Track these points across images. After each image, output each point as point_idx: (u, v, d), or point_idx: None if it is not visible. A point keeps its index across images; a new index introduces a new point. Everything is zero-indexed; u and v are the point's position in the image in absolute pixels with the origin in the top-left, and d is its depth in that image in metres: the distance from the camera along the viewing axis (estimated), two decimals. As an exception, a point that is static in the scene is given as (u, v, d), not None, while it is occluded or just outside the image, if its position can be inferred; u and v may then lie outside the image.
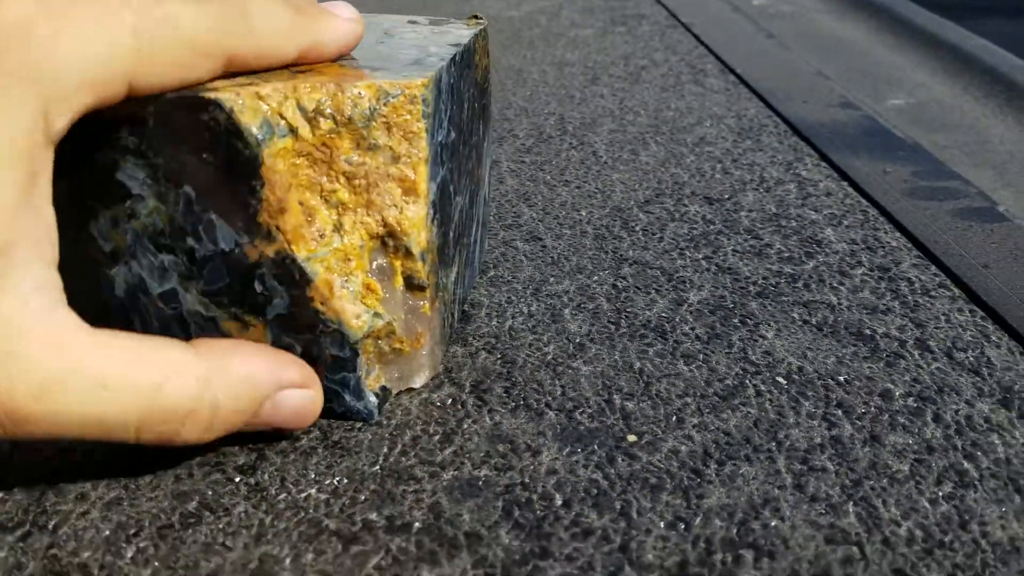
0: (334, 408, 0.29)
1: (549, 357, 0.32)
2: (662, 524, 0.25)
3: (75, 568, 0.23)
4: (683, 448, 0.28)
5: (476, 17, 0.37)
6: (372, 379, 0.29)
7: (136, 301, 0.28)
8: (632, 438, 0.28)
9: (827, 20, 0.96)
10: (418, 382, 0.31)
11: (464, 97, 0.32)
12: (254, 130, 0.26)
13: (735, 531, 0.25)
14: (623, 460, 0.27)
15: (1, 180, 0.21)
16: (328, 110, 0.27)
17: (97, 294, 0.28)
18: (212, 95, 0.25)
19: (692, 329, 0.34)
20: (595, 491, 0.26)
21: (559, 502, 0.26)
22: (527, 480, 0.27)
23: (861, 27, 0.94)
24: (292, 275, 0.27)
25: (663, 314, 0.35)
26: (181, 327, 0.28)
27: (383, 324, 0.29)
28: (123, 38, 0.22)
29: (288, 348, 0.28)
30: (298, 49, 0.26)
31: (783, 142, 0.54)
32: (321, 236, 0.27)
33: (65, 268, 0.28)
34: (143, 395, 0.23)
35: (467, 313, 0.35)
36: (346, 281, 0.28)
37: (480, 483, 0.26)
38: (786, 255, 0.40)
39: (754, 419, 0.30)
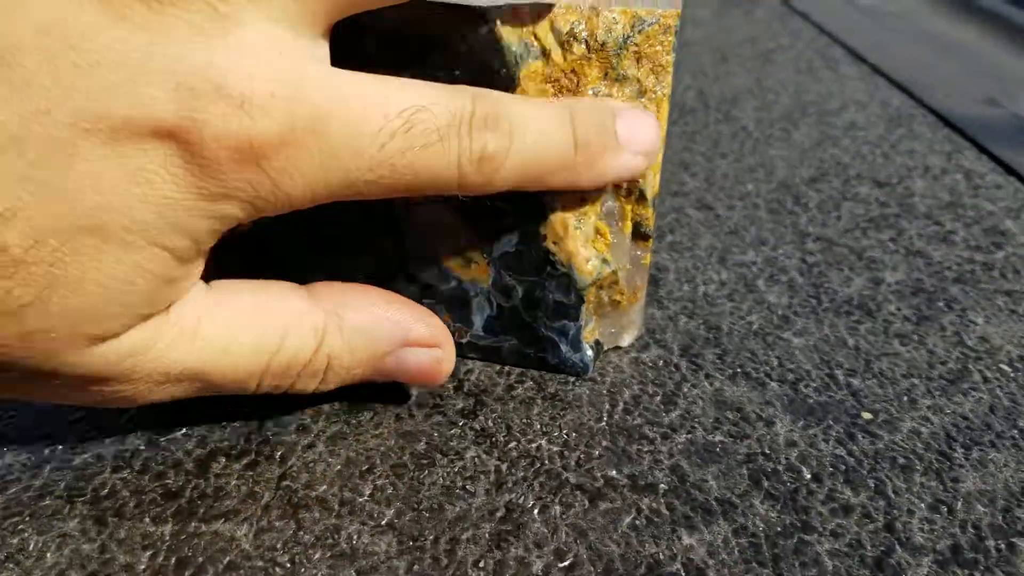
0: (547, 359, 0.28)
1: (755, 327, 0.31)
2: (923, 506, 0.23)
3: (314, 502, 0.22)
4: (924, 430, 0.26)
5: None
6: (588, 331, 0.28)
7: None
8: (867, 416, 0.27)
9: (937, 21, 0.93)
10: (626, 340, 0.29)
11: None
12: (514, 47, 0.24)
13: (1000, 518, 0.23)
14: (864, 437, 0.26)
15: None
16: (582, 34, 0.25)
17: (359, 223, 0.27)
18: (475, 2, 0.23)
19: (899, 310, 0.32)
20: (843, 467, 0.24)
21: (808, 475, 0.24)
22: (767, 451, 0.25)
23: (972, 29, 0.91)
24: (529, 201, 0.25)
25: (864, 292, 0.33)
26: (399, 261, 0.27)
27: (609, 272, 0.27)
28: (351, 174, 0.20)
29: (509, 290, 0.27)
30: (547, 189, 0.24)
31: (936, 133, 0.52)
32: (560, 174, 0.26)
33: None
34: (263, 355, 0.21)
35: (654, 277, 0.34)
36: (580, 221, 0.26)
37: (718, 449, 0.25)
38: (973, 244, 0.38)
39: (989, 405, 0.28)
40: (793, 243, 0.37)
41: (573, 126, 0.23)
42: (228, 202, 0.19)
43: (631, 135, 0.24)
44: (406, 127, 0.20)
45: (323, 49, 0.20)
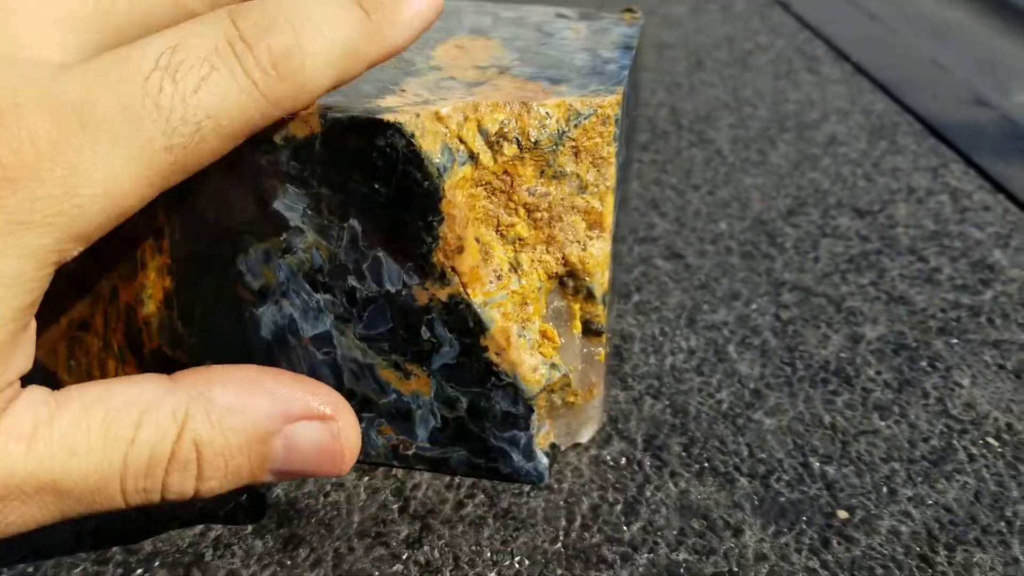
0: (499, 469, 0.26)
1: (725, 406, 0.29)
2: (903, 631, 0.21)
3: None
4: (904, 529, 0.24)
5: (631, 11, 0.33)
6: (542, 436, 0.26)
7: (284, 344, 0.25)
8: (843, 514, 0.25)
9: (926, 2, 0.90)
10: (585, 436, 0.27)
11: (629, 108, 0.28)
12: (435, 158, 0.22)
13: (987, 641, 0.21)
14: (839, 543, 0.24)
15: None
16: (513, 133, 0.23)
17: (241, 336, 0.25)
18: (390, 117, 0.21)
19: (879, 374, 0.30)
20: (816, 585, 0.23)
21: (778, 598, 0.22)
22: (735, 568, 0.23)
23: (964, 8, 0.88)
24: (465, 322, 0.23)
25: (841, 354, 0.31)
26: (333, 374, 0.25)
27: (560, 376, 0.25)
28: (153, 154, 0.18)
29: (453, 401, 0.25)
30: (369, 66, 0.21)
31: (921, 144, 0.49)
32: (498, 277, 0.24)
33: (209, 307, 0.24)
34: (116, 451, 0.19)
35: (618, 348, 0.32)
36: (523, 329, 0.24)
37: (682, 570, 0.23)
38: (959, 283, 0.36)
39: (974, 491, 0.26)
40: (767, 295, 0.35)
41: None
42: (25, 231, 0.17)
43: None
44: (171, 72, 0.18)
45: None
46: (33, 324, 0.20)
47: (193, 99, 0.18)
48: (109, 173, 0.18)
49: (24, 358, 0.19)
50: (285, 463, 0.21)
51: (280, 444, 0.21)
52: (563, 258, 0.24)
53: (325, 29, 0.20)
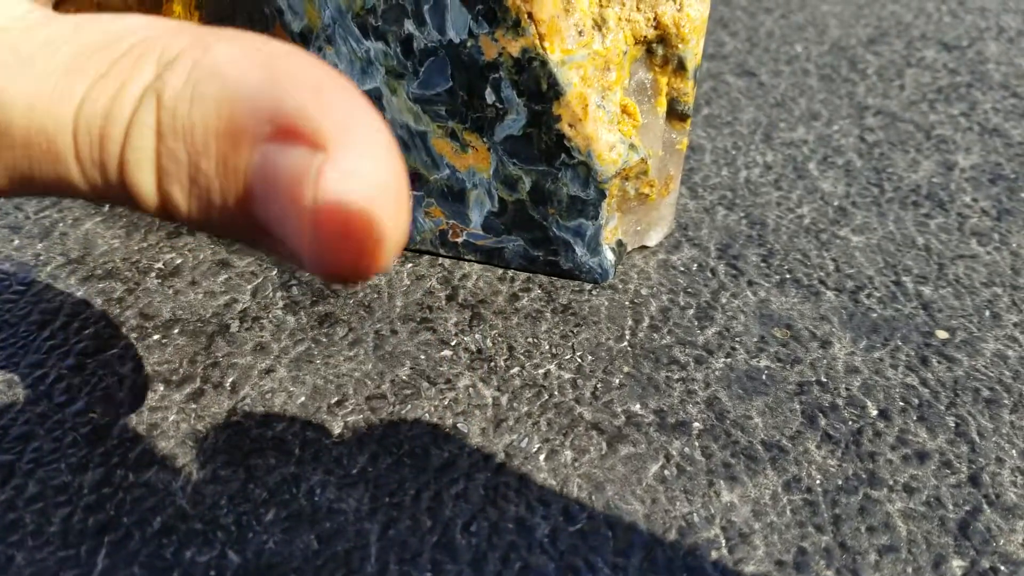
0: (559, 263, 0.23)
1: (807, 221, 0.26)
2: (1015, 452, 0.19)
3: (269, 445, 0.18)
4: (1010, 353, 0.22)
5: None
6: (610, 230, 0.23)
7: (325, 101, 0.21)
8: (943, 334, 0.22)
9: None
10: (654, 239, 0.24)
11: None
12: None
13: (1106, 470, 0.19)
14: (939, 362, 0.21)
15: None
16: None
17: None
18: None
19: (975, 201, 0.27)
20: (916, 401, 0.20)
21: (873, 412, 0.20)
22: (823, 379, 0.20)
23: None
24: (538, 83, 0.20)
25: (934, 179, 0.28)
26: (379, 141, 0.22)
27: (637, 160, 0.22)
28: None
29: (514, 181, 0.22)
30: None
31: (1011, -14, 0.45)
32: (580, 33, 0.20)
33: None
34: (81, 75, 0.13)
35: (686, 159, 0.28)
36: (603, 99, 0.21)
37: (763, 377, 0.20)
38: (1060, 120, 0.33)
39: (1085, 323, 0.23)
40: (850, 117, 0.32)
41: None
42: None
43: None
44: None
45: None
46: None
47: None
48: None
49: None
50: (262, 199, 0.12)
51: (258, 163, 0.12)
52: (655, 19, 0.21)
53: None
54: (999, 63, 0.37)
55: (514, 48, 0.20)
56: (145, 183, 0.13)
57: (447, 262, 0.23)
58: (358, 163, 0.11)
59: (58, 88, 0.12)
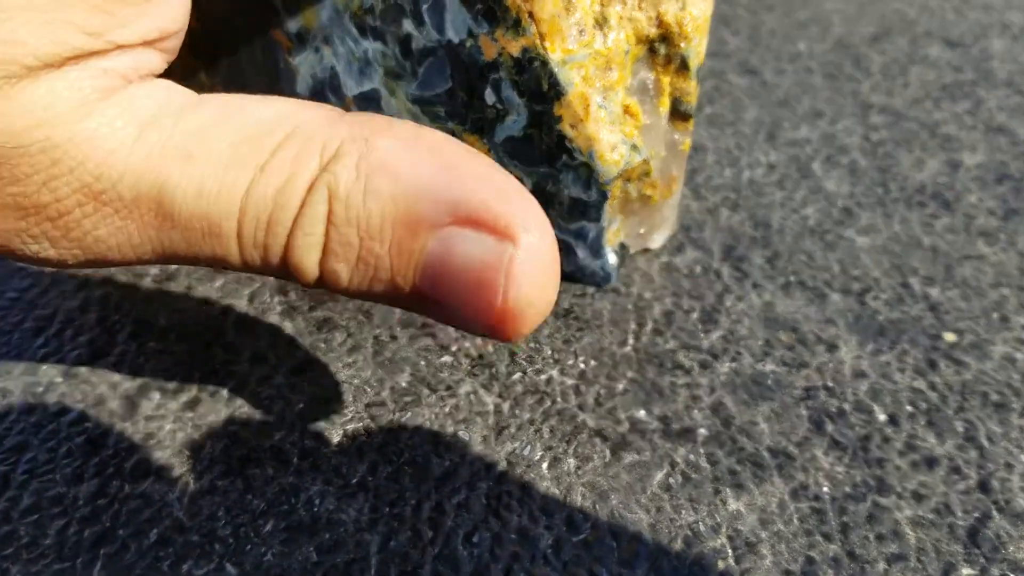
0: (561, 266, 0.23)
1: (811, 222, 0.25)
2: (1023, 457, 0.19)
3: (267, 455, 0.18)
4: (1019, 356, 0.21)
5: None
6: (612, 232, 0.23)
7: (323, 102, 0.21)
8: (951, 337, 0.22)
9: None
10: (657, 241, 0.24)
11: None
12: None
13: (1118, 475, 0.19)
14: (947, 366, 0.21)
15: None
16: None
17: (272, 92, 0.21)
18: None
19: (981, 200, 0.27)
20: (924, 405, 0.20)
21: (882, 417, 0.19)
22: (830, 383, 0.20)
23: None
24: (539, 83, 0.20)
25: (939, 179, 0.28)
26: (377, 143, 0.21)
27: (640, 161, 0.21)
28: None
29: (515, 183, 0.21)
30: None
31: (1015, -18, 0.44)
32: (581, 32, 0.20)
33: (237, 51, 0.21)
34: (244, 167, 0.14)
35: (689, 159, 0.28)
36: (604, 99, 0.21)
37: (769, 381, 0.20)
38: (1066, 118, 0.32)
39: (1095, 324, 0.23)
40: (854, 116, 0.31)
41: None
42: None
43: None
44: None
45: None
46: None
47: None
48: None
49: (163, 20, 0.14)
50: (435, 279, 0.14)
51: (435, 248, 0.14)
52: (657, 17, 0.20)
53: None
54: (1004, 60, 0.36)
55: (514, 48, 0.20)
56: (310, 263, 0.14)
57: (447, 266, 0.23)
58: (540, 253, 0.14)
59: (224, 179, 0.13)
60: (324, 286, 0.14)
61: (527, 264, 0.13)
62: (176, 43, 0.15)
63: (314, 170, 0.14)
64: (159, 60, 0.14)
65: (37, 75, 0.13)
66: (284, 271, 0.14)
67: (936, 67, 0.35)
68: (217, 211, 0.14)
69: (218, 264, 0.14)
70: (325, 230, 0.14)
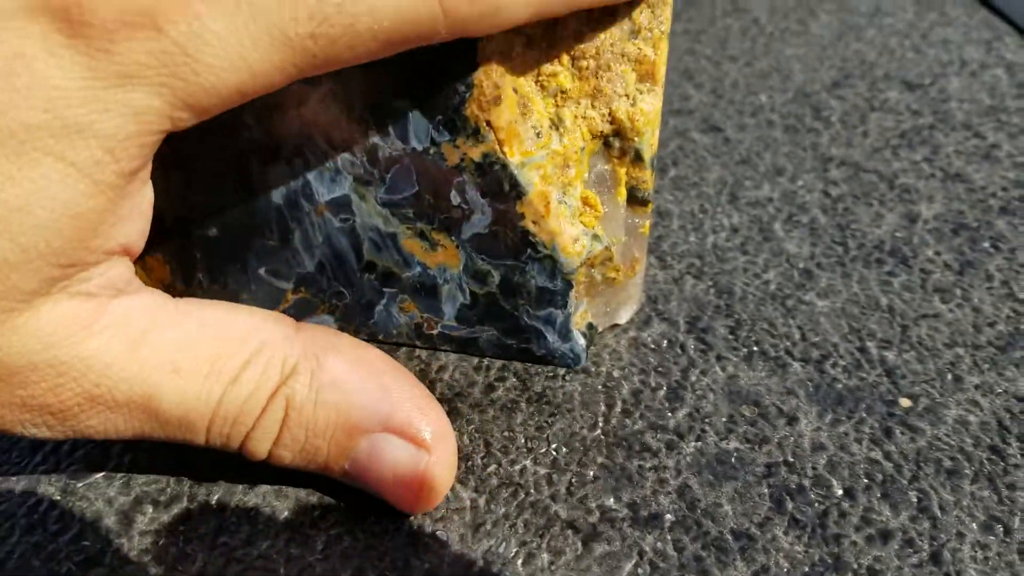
0: (532, 350, 0.24)
1: (773, 287, 0.26)
2: (975, 526, 0.20)
3: (255, 563, 0.18)
4: (972, 418, 0.22)
5: None
6: (579, 315, 0.24)
7: (297, 210, 0.22)
8: (906, 403, 0.23)
9: None
10: (624, 317, 0.25)
11: None
12: None
13: (1066, 538, 0.20)
14: (902, 433, 0.22)
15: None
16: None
17: (247, 201, 0.22)
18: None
19: (938, 254, 0.28)
20: (880, 476, 0.21)
21: (839, 491, 0.20)
22: (790, 458, 0.21)
23: None
24: (500, 185, 0.21)
25: (897, 233, 0.29)
26: (352, 244, 0.22)
27: (601, 249, 0.23)
28: (295, 38, 0.15)
29: (484, 276, 0.22)
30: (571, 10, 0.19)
31: (972, 16, 0.46)
32: (538, 135, 0.21)
33: (207, 168, 0.22)
34: (219, 381, 0.17)
35: (655, 225, 0.29)
36: (564, 194, 0.22)
37: (733, 459, 0.21)
38: (1020, 160, 0.33)
39: (1045, 380, 0.24)
40: (814, 171, 0.32)
41: None
42: (134, 87, 0.14)
43: None
44: None
45: None
46: (147, 197, 0.17)
47: None
48: (238, 44, 0.15)
49: (132, 233, 0.17)
50: (362, 470, 0.19)
51: (365, 447, 0.19)
52: (610, 114, 0.21)
53: None
54: (961, 100, 0.37)
55: (475, 153, 0.21)
56: (262, 450, 0.18)
57: (424, 354, 0.24)
58: (447, 459, 0.19)
59: (201, 388, 0.17)
60: (268, 462, 0.19)
61: (437, 467, 0.19)
62: (141, 245, 0.17)
63: (276, 382, 0.18)
64: (128, 264, 0.17)
65: (31, 303, 0.15)
66: (238, 452, 0.18)
67: (895, 112, 0.36)
68: (195, 414, 0.17)
69: (184, 443, 0.18)
70: (279, 428, 0.18)
